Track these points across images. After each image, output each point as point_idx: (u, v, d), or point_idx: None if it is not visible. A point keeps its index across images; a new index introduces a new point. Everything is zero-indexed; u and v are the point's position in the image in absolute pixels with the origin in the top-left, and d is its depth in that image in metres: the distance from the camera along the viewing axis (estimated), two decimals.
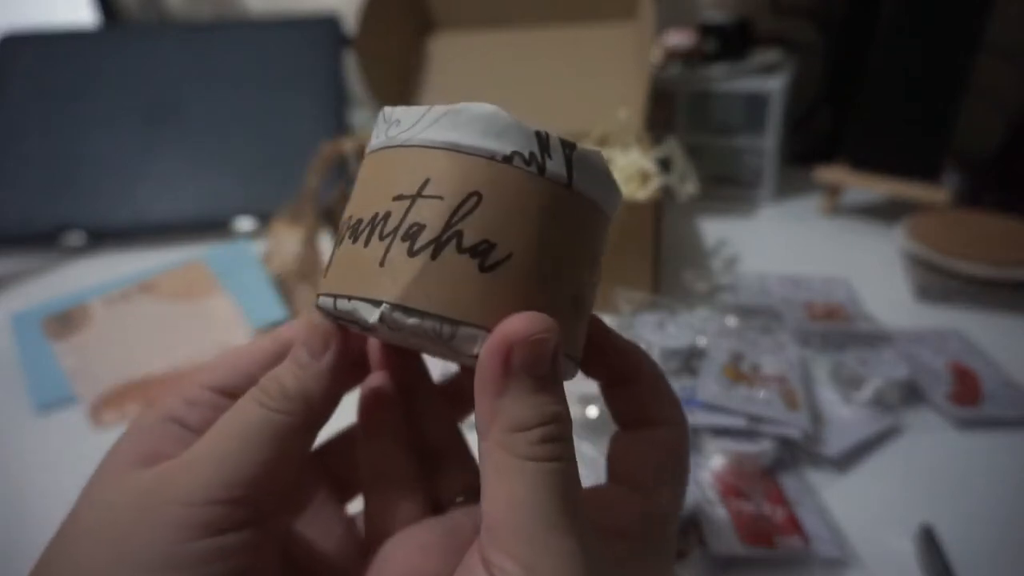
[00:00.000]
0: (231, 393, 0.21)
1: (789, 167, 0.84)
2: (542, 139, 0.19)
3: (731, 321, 0.53)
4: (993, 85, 0.78)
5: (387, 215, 0.18)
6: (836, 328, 0.54)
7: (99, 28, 0.94)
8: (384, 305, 0.18)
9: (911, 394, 0.48)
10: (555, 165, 0.19)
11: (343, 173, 0.76)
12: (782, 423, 0.43)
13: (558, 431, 0.17)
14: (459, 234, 0.18)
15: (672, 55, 0.81)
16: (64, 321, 0.59)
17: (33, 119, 0.82)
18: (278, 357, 0.22)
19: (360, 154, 0.68)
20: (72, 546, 0.18)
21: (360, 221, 0.19)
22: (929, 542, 0.37)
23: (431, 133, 0.19)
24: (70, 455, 0.48)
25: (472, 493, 0.24)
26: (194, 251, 0.66)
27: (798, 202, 0.80)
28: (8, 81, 0.84)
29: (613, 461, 0.23)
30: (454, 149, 0.18)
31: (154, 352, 0.56)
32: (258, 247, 0.66)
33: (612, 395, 0.23)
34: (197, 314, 0.60)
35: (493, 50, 0.79)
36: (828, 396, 0.48)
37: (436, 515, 0.23)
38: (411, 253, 0.18)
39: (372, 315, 0.18)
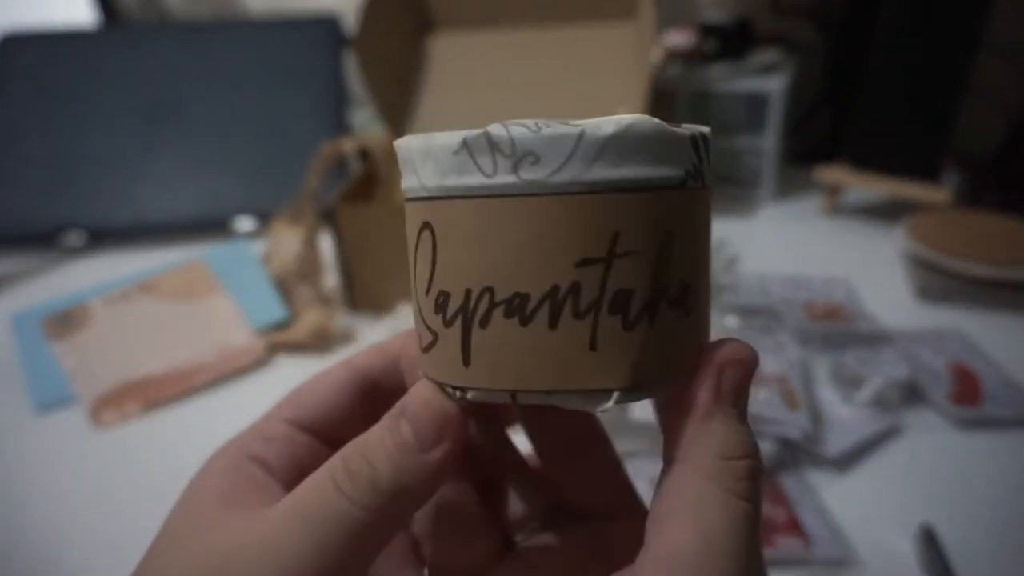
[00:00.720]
0: (309, 428, 0.20)
1: (789, 167, 0.84)
2: (697, 144, 0.16)
3: (731, 321, 0.53)
4: (993, 85, 0.78)
5: (575, 287, 0.15)
6: (836, 328, 0.54)
7: (99, 28, 0.94)
8: (616, 394, 0.16)
9: (911, 394, 0.48)
10: (708, 168, 0.17)
11: (343, 173, 0.76)
12: (782, 423, 0.43)
13: (759, 468, 0.16)
14: (666, 289, 0.16)
15: (672, 55, 0.81)
16: (64, 321, 0.59)
17: (33, 119, 0.82)
18: (356, 388, 0.21)
19: (361, 154, 0.69)
20: None
21: (520, 296, 0.15)
22: (929, 542, 0.37)
23: (601, 171, 0.15)
24: (70, 455, 0.48)
25: (540, 520, 0.22)
26: (194, 251, 0.66)
27: (798, 202, 0.80)
28: (8, 81, 0.84)
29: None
30: (636, 188, 0.15)
31: (154, 352, 0.56)
32: (258, 247, 0.66)
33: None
34: (197, 314, 0.60)
35: (493, 50, 0.79)
36: (828, 396, 0.48)
37: (503, 549, 0.21)
38: (627, 327, 0.15)
39: (599, 406, 0.16)
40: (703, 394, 0.16)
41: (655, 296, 0.15)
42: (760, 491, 0.16)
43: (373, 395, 0.21)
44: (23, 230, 0.79)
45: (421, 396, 0.17)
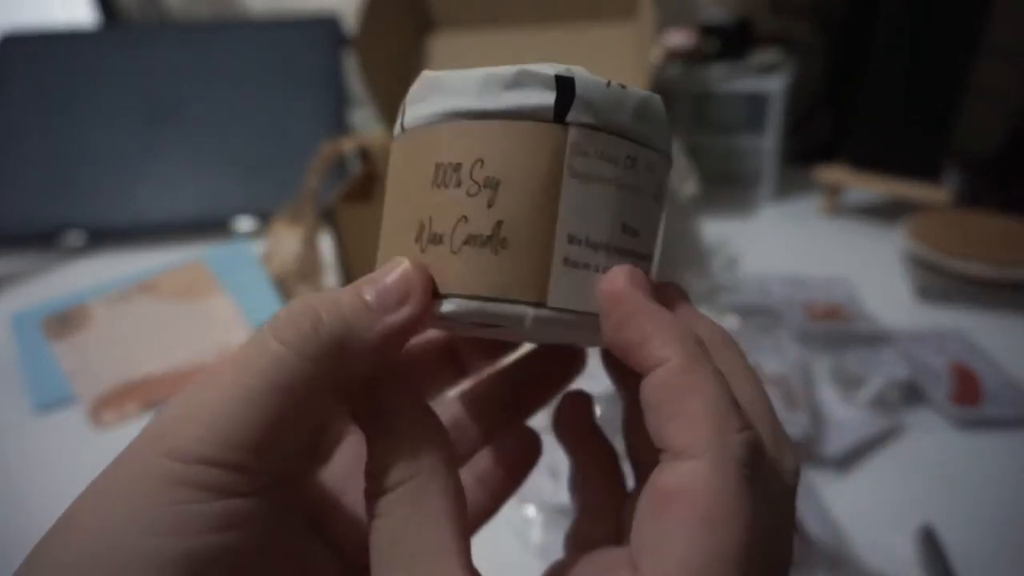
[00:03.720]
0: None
1: (789, 167, 0.84)
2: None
3: (731, 321, 0.53)
4: (993, 85, 0.78)
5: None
6: (836, 328, 0.54)
7: (99, 28, 0.94)
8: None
9: (911, 394, 0.48)
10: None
11: (343, 173, 0.76)
12: (782, 423, 0.43)
13: (759, 440, 0.16)
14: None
15: (672, 55, 0.81)
16: (64, 321, 0.59)
17: (33, 119, 0.82)
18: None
19: (361, 154, 0.68)
20: (78, 507, 0.15)
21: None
22: (929, 542, 0.37)
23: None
24: (70, 455, 0.48)
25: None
26: (194, 251, 0.66)
27: (798, 202, 0.80)
28: (8, 81, 0.84)
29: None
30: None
31: (154, 352, 0.56)
32: (258, 247, 0.66)
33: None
34: (197, 314, 0.60)
35: (493, 50, 0.79)
36: (828, 396, 0.48)
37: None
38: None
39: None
40: (673, 364, 0.15)
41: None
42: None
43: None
44: (23, 230, 0.79)
45: (396, 262, 0.17)
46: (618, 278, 0.17)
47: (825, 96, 0.88)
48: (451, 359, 0.23)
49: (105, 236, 0.79)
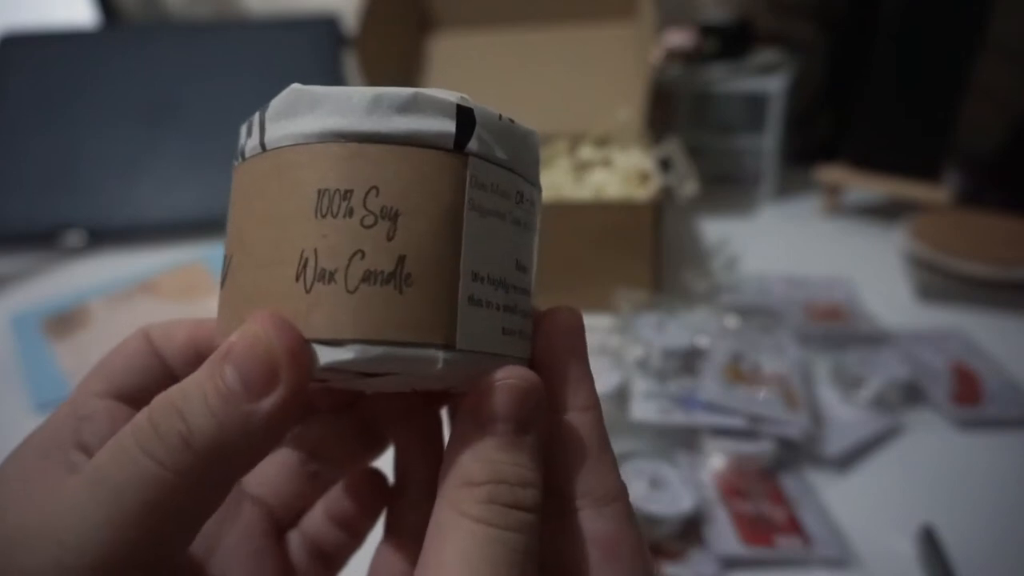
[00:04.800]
0: (128, 398, 0.18)
1: (789, 167, 0.84)
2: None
3: (731, 321, 0.53)
4: (993, 85, 0.78)
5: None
6: (836, 328, 0.54)
7: (99, 28, 0.94)
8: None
9: (911, 394, 0.48)
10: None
11: None
12: (782, 423, 0.43)
13: (508, 495, 0.15)
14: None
15: (672, 55, 0.81)
16: (64, 321, 0.59)
17: (33, 119, 0.82)
18: (193, 352, 0.19)
19: None
20: None
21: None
22: (929, 542, 0.37)
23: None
24: None
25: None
26: (194, 251, 0.66)
27: (798, 202, 0.80)
28: (8, 81, 0.84)
29: None
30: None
31: None
32: None
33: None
34: (197, 314, 0.59)
35: (493, 50, 0.79)
36: (828, 396, 0.48)
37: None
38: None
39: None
40: (464, 421, 0.16)
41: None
42: (522, 521, 0.15)
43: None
44: (23, 230, 0.79)
45: (250, 332, 0.14)
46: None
47: (825, 96, 0.88)
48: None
49: (105, 236, 0.79)
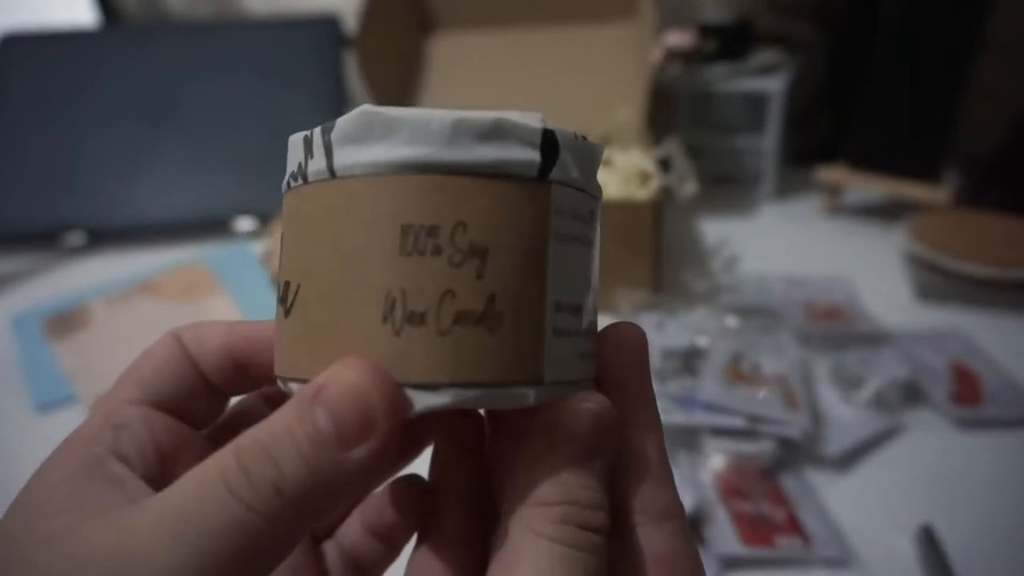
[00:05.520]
0: (162, 406, 0.18)
1: (789, 167, 0.84)
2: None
3: (731, 321, 0.53)
4: (993, 85, 0.78)
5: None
6: (836, 328, 0.54)
7: (99, 28, 0.94)
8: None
9: (911, 394, 0.48)
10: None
11: None
12: (782, 423, 0.43)
13: (580, 516, 0.15)
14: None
15: (672, 55, 0.81)
16: (64, 321, 0.59)
17: (33, 119, 0.82)
18: (228, 358, 0.19)
19: None
20: None
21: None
22: (929, 542, 0.37)
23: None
24: None
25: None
26: (194, 251, 0.66)
27: (798, 202, 0.80)
28: (8, 81, 0.84)
29: None
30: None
31: None
32: (258, 247, 0.66)
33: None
34: (197, 314, 0.60)
35: (493, 50, 0.79)
36: (828, 396, 0.48)
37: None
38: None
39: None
40: (537, 442, 0.16)
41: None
42: (592, 541, 0.15)
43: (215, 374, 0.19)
44: (23, 230, 0.79)
45: (345, 378, 0.14)
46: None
47: (825, 96, 0.88)
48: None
49: (105, 236, 0.79)
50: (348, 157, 0.15)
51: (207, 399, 0.19)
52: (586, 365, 0.17)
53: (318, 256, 0.15)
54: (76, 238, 0.79)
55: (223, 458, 0.14)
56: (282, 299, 0.17)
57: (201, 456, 0.16)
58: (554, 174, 0.15)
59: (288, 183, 0.17)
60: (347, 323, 0.15)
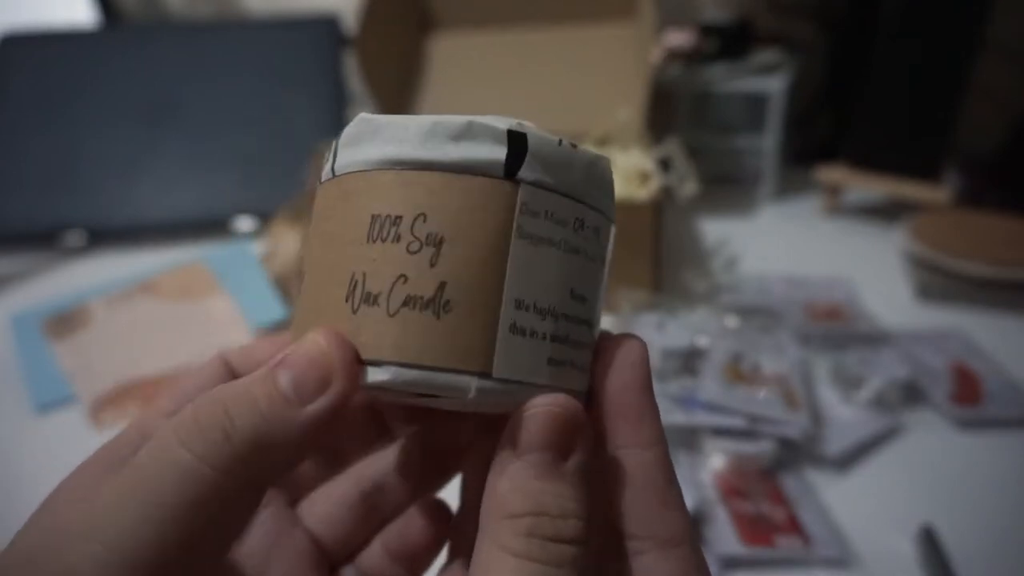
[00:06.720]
0: None
1: (789, 167, 0.84)
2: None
3: (731, 321, 0.53)
4: (993, 85, 0.78)
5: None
6: (836, 328, 0.54)
7: (99, 28, 0.94)
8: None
9: (911, 394, 0.48)
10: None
11: None
12: (782, 423, 0.43)
13: (549, 526, 0.14)
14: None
15: (672, 55, 0.81)
16: (64, 321, 0.59)
17: (33, 119, 0.82)
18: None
19: None
20: None
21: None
22: (929, 542, 0.37)
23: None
24: (70, 456, 0.48)
25: None
26: (194, 251, 0.66)
27: (798, 202, 0.80)
28: (8, 81, 0.84)
29: None
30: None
31: (154, 352, 0.56)
32: (258, 247, 0.66)
33: None
34: (197, 314, 0.60)
35: (493, 50, 0.79)
36: (828, 396, 0.48)
37: None
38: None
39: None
40: (503, 448, 0.15)
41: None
42: (563, 554, 0.14)
43: None
44: (23, 230, 0.79)
45: (309, 340, 0.15)
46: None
47: (825, 96, 0.88)
48: (373, 417, 0.22)
49: (105, 236, 0.79)
50: (345, 158, 0.17)
51: None
52: (563, 373, 0.17)
53: (315, 246, 0.17)
54: (76, 238, 0.79)
55: (180, 413, 0.14)
56: (298, 292, 0.18)
57: None
58: (523, 174, 0.16)
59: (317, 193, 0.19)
60: (322, 303, 0.16)
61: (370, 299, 0.15)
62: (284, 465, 0.15)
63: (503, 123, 0.16)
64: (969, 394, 0.47)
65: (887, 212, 0.75)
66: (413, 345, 0.15)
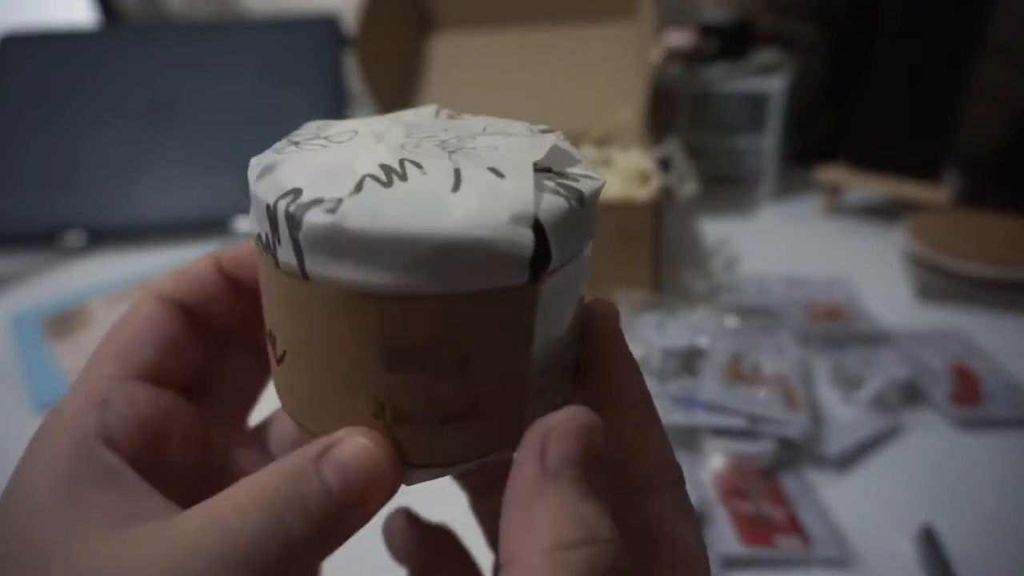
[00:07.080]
0: (143, 376, 0.17)
1: (789, 167, 0.84)
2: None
3: (731, 321, 0.53)
4: (993, 85, 0.78)
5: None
6: (836, 328, 0.54)
7: (99, 28, 0.94)
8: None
9: (911, 394, 0.48)
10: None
11: None
12: (782, 423, 0.43)
13: (608, 554, 0.13)
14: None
15: (672, 55, 0.81)
16: (64, 321, 0.59)
17: (33, 119, 0.82)
18: (174, 318, 0.18)
19: None
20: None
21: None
22: (929, 542, 0.37)
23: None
24: None
25: None
26: (194, 251, 0.66)
27: (798, 202, 0.80)
28: (8, 81, 0.84)
29: None
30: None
31: None
32: None
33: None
34: None
35: (493, 50, 0.79)
36: (828, 396, 0.48)
37: None
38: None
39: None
40: (526, 470, 0.13)
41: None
42: None
43: (196, 323, 0.19)
44: (23, 230, 0.78)
45: (360, 446, 0.15)
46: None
47: (825, 96, 0.88)
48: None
49: (105, 236, 0.79)
50: (321, 268, 0.14)
51: (197, 351, 0.19)
52: (566, 388, 0.17)
53: (300, 336, 0.15)
54: (76, 238, 0.79)
55: (239, 515, 0.13)
56: (271, 343, 0.17)
57: (188, 429, 0.18)
58: (544, 277, 0.15)
59: (257, 244, 0.16)
60: (341, 411, 0.15)
61: (403, 418, 0.15)
62: (324, 556, 0.15)
63: (523, 237, 0.14)
64: (969, 394, 0.47)
65: (887, 212, 0.75)
66: (452, 450, 0.16)
